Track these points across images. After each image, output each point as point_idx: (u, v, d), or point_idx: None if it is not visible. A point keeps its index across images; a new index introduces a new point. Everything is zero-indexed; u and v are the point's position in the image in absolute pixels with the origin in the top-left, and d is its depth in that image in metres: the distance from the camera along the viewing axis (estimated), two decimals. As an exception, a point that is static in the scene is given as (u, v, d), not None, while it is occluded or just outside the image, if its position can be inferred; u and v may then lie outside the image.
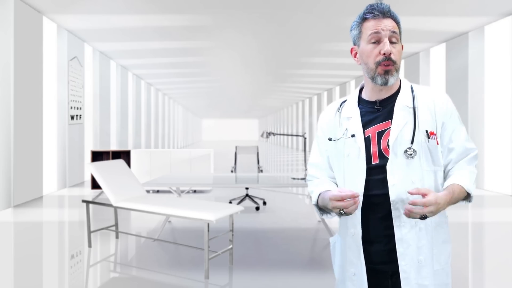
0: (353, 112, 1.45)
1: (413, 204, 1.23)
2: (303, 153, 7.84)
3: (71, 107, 8.88)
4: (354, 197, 1.27)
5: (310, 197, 1.46)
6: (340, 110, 1.50)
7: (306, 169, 5.06)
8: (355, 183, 1.40)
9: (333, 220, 5.43)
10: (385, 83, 1.38)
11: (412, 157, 1.35)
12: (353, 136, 1.42)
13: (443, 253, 1.40)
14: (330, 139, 1.49)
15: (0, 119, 6.39)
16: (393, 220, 1.35)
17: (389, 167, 1.35)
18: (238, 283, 3.45)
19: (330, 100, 19.15)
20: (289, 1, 7.26)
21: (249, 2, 7.28)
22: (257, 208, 6.36)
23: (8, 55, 6.48)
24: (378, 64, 1.37)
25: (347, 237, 1.45)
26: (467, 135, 1.43)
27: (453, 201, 1.32)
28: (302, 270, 3.69)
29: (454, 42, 9.41)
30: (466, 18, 8.04)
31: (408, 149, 1.35)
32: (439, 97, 1.42)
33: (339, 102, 1.53)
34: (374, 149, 1.39)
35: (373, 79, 1.39)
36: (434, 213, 1.24)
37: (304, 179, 4.74)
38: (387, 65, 1.36)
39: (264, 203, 6.74)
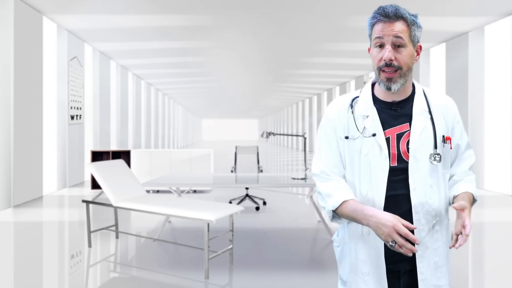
0: (370, 111, 1.42)
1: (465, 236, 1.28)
2: (303, 153, 7.83)
3: (71, 107, 8.87)
4: (414, 241, 1.25)
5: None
6: (352, 107, 1.45)
7: (306, 169, 5.05)
8: (375, 183, 1.38)
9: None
10: (388, 89, 1.38)
11: (438, 161, 1.37)
12: (374, 135, 1.39)
13: (449, 252, 1.44)
14: (346, 137, 1.43)
15: (0, 119, 6.39)
16: (414, 223, 1.36)
17: (411, 171, 1.37)
18: (238, 283, 3.45)
19: (330, 100, 19.15)
20: (289, 1, 7.26)
21: (249, 2, 7.28)
22: (257, 208, 6.36)
23: (8, 55, 6.48)
24: (380, 69, 1.37)
25: (361, 236, 1.41)
26: (468, 141, 1.50)
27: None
28: (302, 270, 3.69)
29: (454, 42, 9.40)
30: (466, 18, 8.03)
31: (435, 155, 1.38)
32: (448, 102, 1.47)
33: (349, 98, 1.48)
34: (393, 151, 1.38)
35: (379, 83, 1.41)
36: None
37: (304, 179, 4.73)
38: (388, 72, 1.36)
39: (264, 203, 6.74)
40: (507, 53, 7.88)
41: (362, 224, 1.33)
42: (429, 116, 1.40)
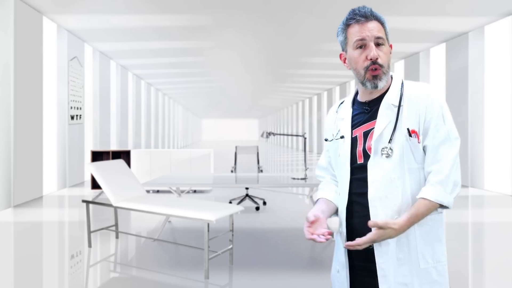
0: (346, 113, 1.49)
1: (355, 244, 1.30)
2: (303, 153, 7.83)
3: (71, 107, 8.88)
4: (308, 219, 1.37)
5: (311, 196, 1.51)
6: (337, 111, 1.55)
7: (306, 169, 5.06)
8: (342, 183, 1.47)
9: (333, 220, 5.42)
10: (375, 87, 1.39)
11: (389, 155, 1.35)
12: (342, 137, 1.47)
13: (431, 251, 1.36)
14: (326, 140, 1.57)
15: (0, 119, 6.39)
16: (371, 217, 1.35)
17: (369, 165, 1.38)
18: (238, 283, 3.45)
19: (330, 100, 19.16)
20: (289, 1, 7.26)
21: (249, 2, 7.28)
22: (257, 208, 6.36)
23: (8, 55, 6.48)
24: (366, 69, 1.38)
25: (337, 235, 1.49)
26: (448, 134, 1.35)
27: (418, 219, 1.32)
28: (302, 270, 3.69)
29: (454, 42, 9.40)
30: (466, 18, 8.04)
31: (384, 148, 1.35)
32: (422, 94, 1.37)
33: (338, 103, 1.58)
34: (359, 148, 1.42)
35: (363, 84, 1.41)
36: (386, 237, 1.30)
37: (304, 179, 4.74)
38: (374, 70, 1.37)
39: (264, 203, 6.74)
40: (507, 53, 7.88)
41: None
42: (397, 110, 1.37)
